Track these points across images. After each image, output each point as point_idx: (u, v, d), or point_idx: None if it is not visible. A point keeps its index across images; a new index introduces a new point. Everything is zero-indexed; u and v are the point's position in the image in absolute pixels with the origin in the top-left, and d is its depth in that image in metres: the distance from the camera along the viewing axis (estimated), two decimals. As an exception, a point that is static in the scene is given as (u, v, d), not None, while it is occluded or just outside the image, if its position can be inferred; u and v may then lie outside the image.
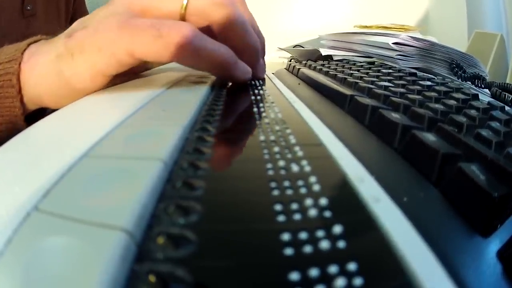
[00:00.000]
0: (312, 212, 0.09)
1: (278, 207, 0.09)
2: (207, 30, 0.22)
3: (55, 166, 0.10)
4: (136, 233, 0.08)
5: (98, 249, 0.07)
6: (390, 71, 0.36)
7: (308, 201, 0.09)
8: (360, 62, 0.45)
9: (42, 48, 0.22)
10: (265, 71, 0.28)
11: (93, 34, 0.20)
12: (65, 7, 0.54)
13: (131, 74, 0.25)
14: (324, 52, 0.51)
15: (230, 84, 0.26)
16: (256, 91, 0.23)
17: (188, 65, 0.22)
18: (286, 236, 0.08)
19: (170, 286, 0.06)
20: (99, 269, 0.06)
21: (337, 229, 0.08)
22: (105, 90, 0.22)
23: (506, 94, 0.31)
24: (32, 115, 0.23)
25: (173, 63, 0.21)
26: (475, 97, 0.26)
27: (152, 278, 0.07)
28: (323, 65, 0.41)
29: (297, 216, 0.09)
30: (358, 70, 0.36)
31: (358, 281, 0.07)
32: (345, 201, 0.10)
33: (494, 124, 0.19)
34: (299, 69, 0.38)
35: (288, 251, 0.07)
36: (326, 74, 0.34)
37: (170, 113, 0.16)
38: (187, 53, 0.20)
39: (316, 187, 0.10)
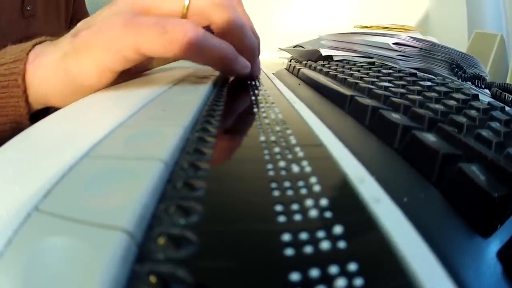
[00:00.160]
0: (313, 213, 0.09)
1: (278, 207, 0.09)
2: (207, 29, 0.22)
3: (56, 166, 0.10)
4: (137, 233, 0.08)
5: (98, 249, 0.07)
6: (390, 71, 0.36)
7: (309, 202, 0.09)
8: (360, 63, 0.45)
9: (47, 48, 0.22)
10: (260, 69, 0.29)
11: (99, 32, 0.21)
12: (65, 8, 0.54)
13: (132, 74, 0.25)
14: (324, 52, 0.51)
15: (230, 84, 0.26)
16: (257, 92, 0.23)
17: (192, 60, 0.23)
18: (286, 237, 0.08)
19: (171, 287, 0.06)
20: (99, 270, 0.06)
21: (338, 229, 0.08)
22: (105, 90, 0.22)
23: (506, 94, 0.31)
24: (37, 115, 0.23)
25: (174, 63, 0.21)
26: (475, 97, 0.26)
27: (152, 279, 0.07)
28: (323, 65, 0.41)
29: (297, 217, 0.09)
30: (358, 71, 0.36)
31: (358, 281, 0.07)
32: (346, 202, 0.10)
33: (494, 124, 0.19)
34: (299, 69, 0.38)
35: (289, 252, 0.07)
36: (326, 74, 0.34)
37: (170, 113, 0.16)
38: (191, 48, 0.20)
39: (317, 188, 0.10)
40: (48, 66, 0.22)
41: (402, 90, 0.25)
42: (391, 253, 0.08)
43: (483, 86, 0.40)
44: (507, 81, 0.50)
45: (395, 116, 0.17)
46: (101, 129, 0.13)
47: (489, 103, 0.24)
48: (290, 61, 0.49)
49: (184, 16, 0.23)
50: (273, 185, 0.10)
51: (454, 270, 0.08)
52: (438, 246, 0.08)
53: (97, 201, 0.08)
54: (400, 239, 0.08)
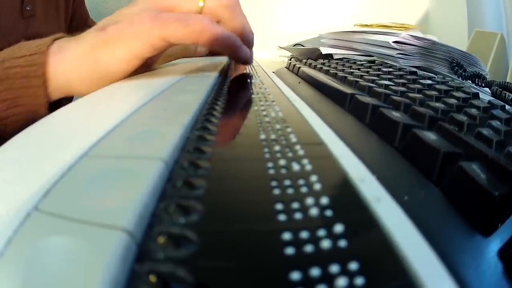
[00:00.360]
0: (313, 211, 0.09)
1: (279, 206, 0.09)
2: None
3: (55, 166, 0.10)
4: (137, 233, 0.08)
5: (98, 249, 0.07)
6: (391, 69, 0.36)
7: (309, 200, 0.09)
8: (361, 61, 0.45)
9: (70, 43, 0.26)
10: (253, 58, 0.35)
11: (129, 26, 0.25)
12: (64, 7, 0.54)
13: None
14: (325, 50, 0.51)
15: (230, 82, 0.26)
16: (257, 90, 0.23)
17: (207, 46, 0.28)
18: (287, 236, 0.08)
19: (171, 286, 0.06)
20: (99, 269, 0.06)
21: (338, 228, 0.08)
22: (106, 89, 0.22)
23: (507, 93, 0.31)
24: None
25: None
26: (476, 96, 0.26)
27: (152, 278, 0.07)
28: (323, 63, 0.41)
29: (298, 215, 0.09)
30: (359, 69, 0.36)
31: (359, 280, 0.07)
32: (346, 200, 0.10)
33: (495, 123, 0.19)
34: (299, 67, 0.38)
35: (289, 251, 0.07)
36: (327, 72, 0.34)
37: (170, 112, 0.16)
38: (207, 37, 0.25)
39: (317, 186, 0.10)
40: (75, 57, 0.25)
41: (402, 89, 0.25)
42: (392, 252, 0.08)
43: (483, 85, 0.40)
44: (507, 80, 0.50)
45: (395, 115, 0.17)
46: (100, 128, 0.13)
47: (489, 102, 0.24)
48: (290, 60, 0.49)
49: (199, 14, 0.28)
50: (274, 183, 0.10)
51: (454, 269, 0.08)
52: (438, 245, 0.08)
53: (97, 201, 0.08)
54: (401, 238, 0.08)
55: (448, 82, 0.31)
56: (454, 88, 0.28)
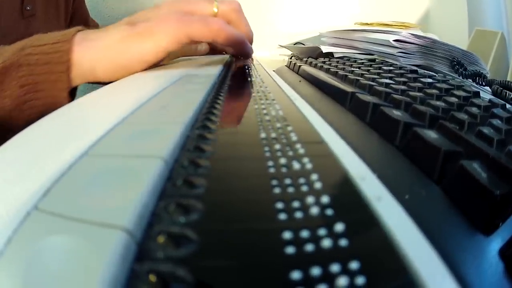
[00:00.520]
0: (314, 210, 0.09)
1: (279, 205, 0.09)
2: None
3: (55, 165, 0.10)
4: (137, 232, 0.07)
5: (98, 248, 0.07)
6: (391, 68, 0.36)
7: (310, 199, 0.09)
8: (361, 60, 0.45)
9: (96, 34, 0.29)
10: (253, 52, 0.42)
11: (159, 23, 0.30)
12: (64, 7, 0.54)
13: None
14: (325, 49, 0.51)
15: (231, 81, 0.26)
16: (257, 89, 0.23)
17: (222, 43, 0.33)
18: (287, 235, 0.08)
19: (171, 286, 0.06)
20: (99, 269, 0.06)
21: (339, 227, 0.08)
22: (106, 88, 0.22)
23: (507, 91, 0.31)
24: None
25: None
26: (476, 94, 0.26)
27: (152, 278, 0.07)
28: (324, 62, 0.41)
29: (298, 214, 0.09)
30: (359, 68, 0.36)
31: (360, 280, 0.07)
32: (347, 199, 0.10)
33: (496, 121, 0.19)
34: (300, 66, 0.38)
35: (290, 250, 0.07)
36: (327, 71, 0.34)
37: (170, 111, 0.16)
38: (223, 35, 0.32)
39: (318, 185, 0.10)
40: (104, 47, 0.28)
41: (403, 87, 0.25)
42: (392, 251, 0.07)
43: (484, 84, 0.40)
44: (508, 79, 0.50)
45: (396, 113, 0.17)
46: (100, 127, 0.13)
47: (490, 101, 0.24)
48: (291, 58, 0.49)
49: (215, 16, 0.34)
50: (274, 182, 0.10)
51: (455, 268, 0.08)
52: (439, 244, 0.08)
53: (97, 200, 0.08)
54: (402, 237, 0.08)
55: (448, 80, 0.31)
56: (455, 86, 0.27)
